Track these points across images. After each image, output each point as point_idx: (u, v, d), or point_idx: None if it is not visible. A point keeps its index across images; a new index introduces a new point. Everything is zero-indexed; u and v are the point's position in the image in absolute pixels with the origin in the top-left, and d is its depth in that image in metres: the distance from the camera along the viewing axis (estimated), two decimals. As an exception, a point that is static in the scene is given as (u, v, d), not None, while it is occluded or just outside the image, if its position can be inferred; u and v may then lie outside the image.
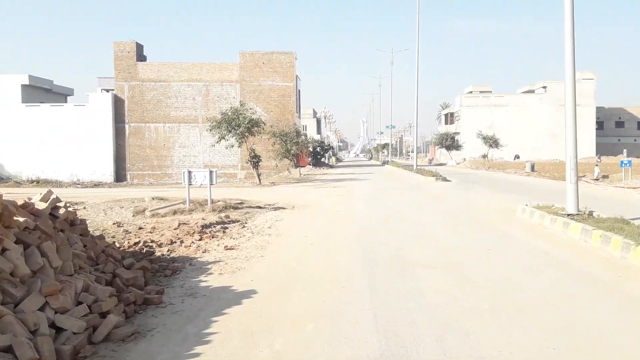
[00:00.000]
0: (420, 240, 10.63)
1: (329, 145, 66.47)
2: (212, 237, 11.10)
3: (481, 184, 27.30)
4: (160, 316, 5.93)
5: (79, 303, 5.53)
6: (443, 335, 5.18)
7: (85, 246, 7.37)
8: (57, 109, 46.60)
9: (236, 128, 26.44)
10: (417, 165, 38.73)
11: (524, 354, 4.73)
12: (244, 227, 12.76)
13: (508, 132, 64.08)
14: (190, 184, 15.80)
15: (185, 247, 10.14)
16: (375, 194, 21.83)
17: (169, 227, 12.28)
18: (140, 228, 12.19)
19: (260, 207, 16.89)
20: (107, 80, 54.58)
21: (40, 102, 46.59)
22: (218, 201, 16.82)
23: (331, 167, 55.58)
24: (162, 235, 11.33)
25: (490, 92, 75.32)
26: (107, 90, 51.49)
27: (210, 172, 15.75)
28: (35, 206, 6.94)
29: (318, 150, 54.09)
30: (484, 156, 51.20)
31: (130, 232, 11.76)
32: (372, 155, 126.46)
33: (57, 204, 7.49)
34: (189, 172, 15.83)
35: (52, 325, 5.01)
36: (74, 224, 8.02)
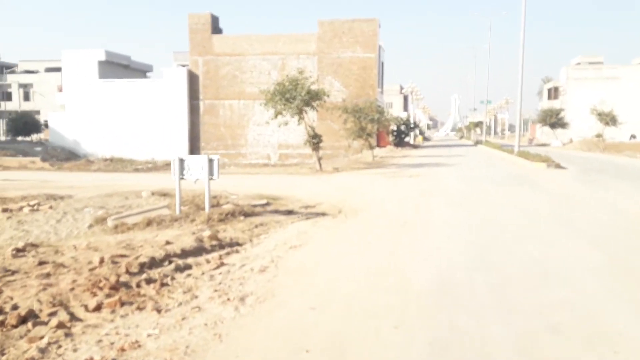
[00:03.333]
0: (573, 347, 4.07)
1: (414, 123, 58.81)
2: (121, 305, 5.15)
3: (614, 175, 19.47)
4: None
5: None
6: None
7: None
8: (132, 84, 43.03)
9: (292, 101, 20.42)
10: (519, 146, 30.85)
11: None
12: (221, 265, 6.73)
13: (621, 109, 53.29)
14: (182, 177, 10.01)
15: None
16: (465, 189, 15.01)
17: (89, 263, 6.54)
18: (25, 273, 6.45)
19: (290, 213, 10.83)
20: (183, 55, 50.62)
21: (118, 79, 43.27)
22: (227, 203, 10.95)
23: (415, 147, 48.31)
24: (46, 290, 5.58)
25: (602, 63, 63.75)
26: (183, 66, 47.47)
27: (210, 160, 9.84)
28: None
29: (402, 128, 46.94)
30: (598, 136, 41.76)
31: None
32: (463, 134, 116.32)
33: None
34: (181, 161, 10.02)
35: None
36: None
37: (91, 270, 6.23)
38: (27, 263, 6.66)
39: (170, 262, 6.74)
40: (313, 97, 21.02)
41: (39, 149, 42.66)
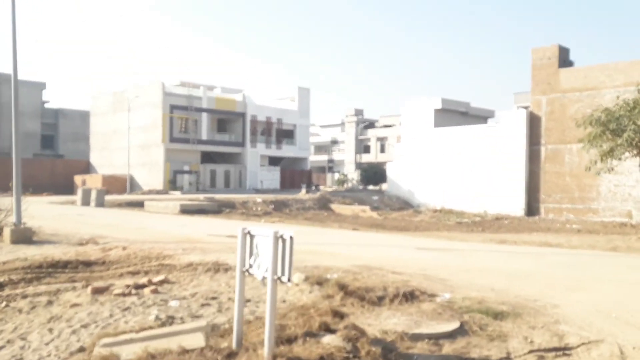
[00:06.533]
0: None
1: None
2: None
3: None
4: None
5: None
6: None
7: None
8: (465, 131, 38.79)
9: (620, 133, 12.18)
10: None
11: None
12: None
13: None
14: (246, 270, 4.80)
15: None
16: None
17: None
18: None
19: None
20: (525, 96, 43.61)
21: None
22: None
23: None
24: None
25: None
26: (525, 108, 40.63)
27: (278, 240, 4.32)
28: None
29: None
30: None
31: None
32: None
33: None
34: (247, 237, 4.83)
35: None
36: None
37: None
38: None
39: None
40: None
41: (375, 197, 42.51)
